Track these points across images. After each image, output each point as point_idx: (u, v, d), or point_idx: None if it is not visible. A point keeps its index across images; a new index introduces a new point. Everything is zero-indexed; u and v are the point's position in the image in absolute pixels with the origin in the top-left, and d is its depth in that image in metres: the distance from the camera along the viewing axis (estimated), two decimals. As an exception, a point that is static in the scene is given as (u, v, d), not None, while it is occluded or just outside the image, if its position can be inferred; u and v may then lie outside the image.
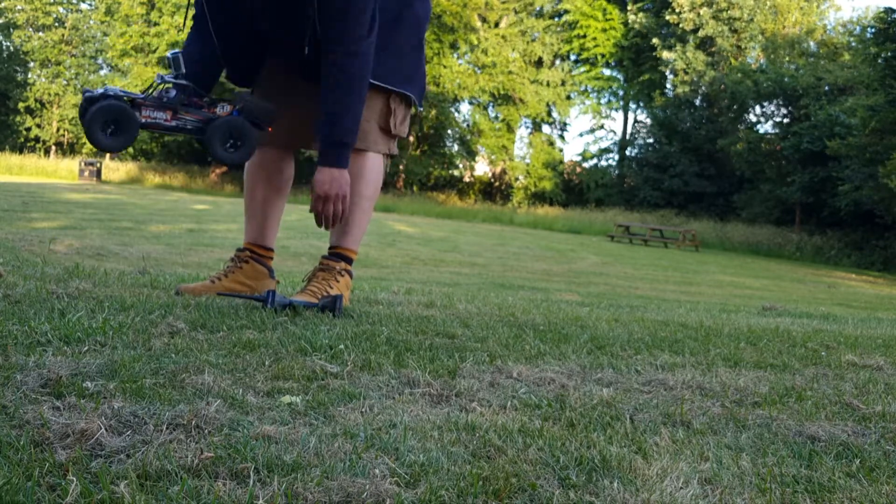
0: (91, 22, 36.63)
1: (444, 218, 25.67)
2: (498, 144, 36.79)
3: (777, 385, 1.90)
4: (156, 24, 32.56)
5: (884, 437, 1.48)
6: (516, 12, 37.66)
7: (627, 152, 37.08)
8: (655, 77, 35.81)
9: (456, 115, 37.21)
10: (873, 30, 22.29)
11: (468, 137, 36.76)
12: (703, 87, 33.04)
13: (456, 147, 37.18)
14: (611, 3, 36.95)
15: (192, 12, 2.55)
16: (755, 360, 2.25)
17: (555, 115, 39.28)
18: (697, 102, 34.06)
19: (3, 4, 35.52)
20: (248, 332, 2.00)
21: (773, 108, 30.62)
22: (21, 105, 35.10)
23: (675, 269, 13.62)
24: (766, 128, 31.09)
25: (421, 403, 1.47)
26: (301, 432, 1.22)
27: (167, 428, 1.17)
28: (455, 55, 36.14)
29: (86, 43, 36.38)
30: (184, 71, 2.36)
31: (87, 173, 27.28)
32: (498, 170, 37.97)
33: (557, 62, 38.55)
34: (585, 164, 38.31)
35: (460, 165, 37.05)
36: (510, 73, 36.13)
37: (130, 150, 33.58)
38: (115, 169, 31.03)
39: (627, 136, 37.89)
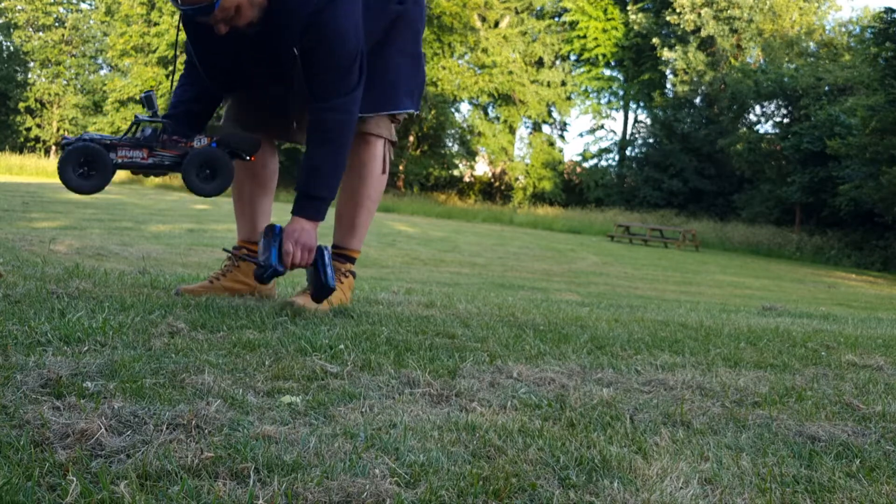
0: (91, 22, 36.63)
1: (444, 218, 25.67)
2: (498, 145, 36.78)
3: (777, 385, 1.90)
4: (156, 24, 32.55)
5: (884, 437, 1.48)
6: (517, 12, 37.65)
7: (627, 152, 37.07)
8: (655, 77, 35.81)
9: (456, 115, 37.21)
10: (873, 30, 22.29)
11: (468, 138, 36.75)
12: (703, 87, 33.05)
13: (456, 147, 37.17)
14: (611, 3, 36.95)
15: (182, 57, 2.57)
16: (755, 360, 2.25)
17: (555, 115, 39.29)
18: (697, 102, 34.06)
19: (3, 4, 35.52)
20: (248, 332, 2.00)
21: (773, 108, 30.62)
22: (21, 105, 35.10)
23: (675, 269, 13.62)
24: (766, 128, 31.10)
25: (421, 403, 1.47)
26: (301, 432, 1.22)
27: (167, 428, 1.17)
28: (455, 56, 36.13)
29: (86, 43, 36.38)
30: (156, 109, 2.37)
31: (87, 173, 27.22)
32: (498, 170, 37.96)
33: (558, 62, 38.55)
34: (585, 164, 38.31)
35: (460, 166, 37.04)
36: (510, 73, 36.13)
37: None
38: (115, 169, 30.98)
39: (627, 136, 37.89)
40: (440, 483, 1.04)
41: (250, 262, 2.54)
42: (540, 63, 37.86)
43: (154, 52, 32.37)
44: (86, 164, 2.32)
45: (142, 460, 1.02)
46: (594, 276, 10.67)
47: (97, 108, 35.31)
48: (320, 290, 2.38)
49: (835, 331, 3.33)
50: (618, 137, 38.50)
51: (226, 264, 2.74)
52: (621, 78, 38.64)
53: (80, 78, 36.20)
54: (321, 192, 2.37)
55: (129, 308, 2.15)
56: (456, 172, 36.89)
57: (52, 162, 31.07)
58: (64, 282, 2.60)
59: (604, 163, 38.00)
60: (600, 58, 37.38)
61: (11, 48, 35.94)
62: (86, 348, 1.65)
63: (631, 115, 38.77)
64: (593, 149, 38.68)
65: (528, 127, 39.12)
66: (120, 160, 2.33)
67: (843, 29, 32.31)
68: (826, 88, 27.94)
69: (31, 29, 36.18)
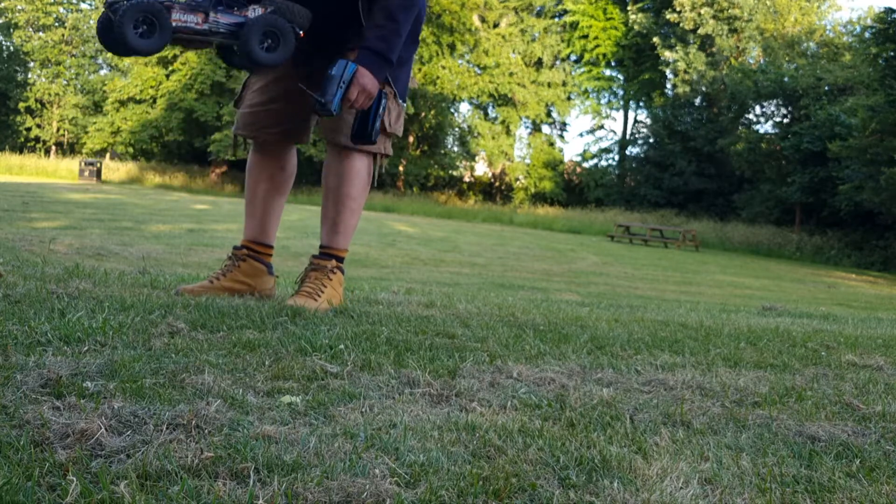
0: (91, 22, 36.61)
1: (444, 218, 25.68)
2: (497, 148, 36.79)
3: (777, 385, 1.90)
4: (156, 24, 32.50)
5: (884, 437, 1.48)
6: (517, 12, 37.65)
7: (627, 152, 37.09)
8: (655, 77, 35.82)
9: (455, 115, 37.22)
10: (873, 30, 22.29)
11: (468, 138, 36.76)
12: (703, 87, 33.05)
13: (456, 148, 37.18)
14: (611, 3, 36.96)
15: None
16: (755, 360, 2.25)
17: (555, 115, 39.30)
18: (697, 102, 34.06)
19: (3, 4, 35.52)
20: (248, 332, 2.00)
21: (773, 108, 30.62)
22: (21, 105, 35.10)
23: (675, 269, 13.62)
24: (766, 128, 31.10)
25: (421, 403, 1.47)
26: (301, 432, 1.22)
27: (167, 428, 1.17)
28: (454, 56, 36.12)
29: (86, 43, 36.37)
30: None
31: (87, 173, 27.28)
32: (498, 170, 37.97)
33: (558, 62, 38.56)
34: (585, 164, 38.31)
35: (460, 166, 37.05)
36: (511, 74, 36.13)
37: (130, 150, 33.59)
38: (116, 169, 31.05)
39: (627, 136, 37.90)
40: (440, 483, 1.04)
41: (310, 96, 2.40)
42: (539, 63, 37.86)
43: (154, 51, 32.32)
44: (145, 23, 2.15)
45: (142, 460, 1.02)
46: (594, 276, 10.67)
47: (97, 108, 35.31)
48: (362, 135, 2.44)
49: (835, 331, 3.33)
50: (618, 137, 38.52)
51: (226, 264, 2.73)
52: (621, 78, 38.65)
53: (80, 78, 36.20)
54: (388, 53, 2.45)
55: (129, 308, 2.15)
56: (456, 173, 36.91)
57: (53, 162, 31.09)
58: (64, 282, 2.60)
59: (604, 163, 38.02)
60: (600, 57, 37.39)
61: (11, 48, 35.94)
62: (86, 348, 1.65)
63: (631, 115, 38.80)
64: (593, 149, 38.70)
65: (527, 127, 39.13)
66: (175, 23, 2.20)
67: (844, 29, 32.31)
68: (826, 88, 27.95)
69: (31, 29, 36.19)
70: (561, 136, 41.23)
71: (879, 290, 13.86)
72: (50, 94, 35.39)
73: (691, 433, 1.41)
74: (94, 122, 34.26)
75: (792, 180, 26.71)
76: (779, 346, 2.61)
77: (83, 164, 27.87)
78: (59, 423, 1.14)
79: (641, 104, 37.90)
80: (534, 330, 2.48)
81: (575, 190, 36.93)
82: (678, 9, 32.79)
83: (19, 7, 35.52)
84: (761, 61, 32.12)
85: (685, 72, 32.91)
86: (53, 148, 36.14)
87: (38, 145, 35.76)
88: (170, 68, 32.20)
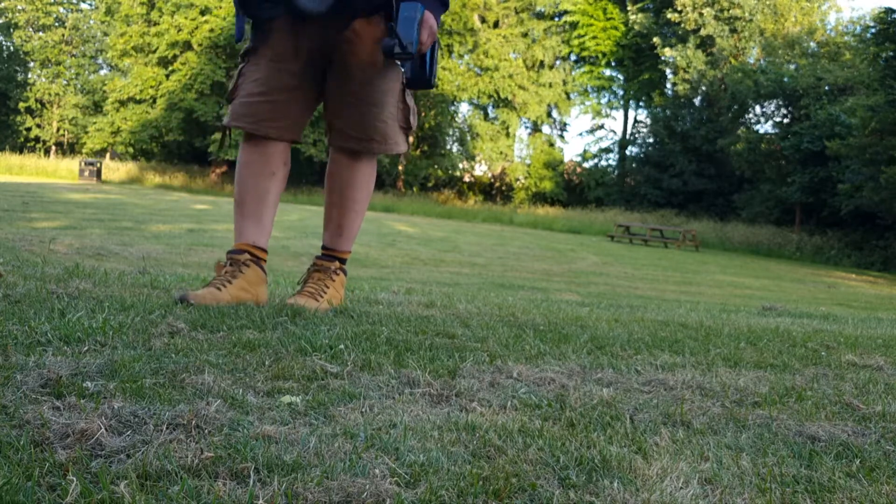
0: (91, 22, 36.65)
1: (444, 218, 25.68)
2: (496, 150, 36.80)
3: (777, 385, 1.90)
4: (156, 23, 32.56)
5: (884, 437, 1.48)
6: (517, 12, 37.65)
7: (627, 152, 37.09)
8: (655, 77, 35.83)
9: (455, 116, 37.22)
10: (873, 30, 22.29)
11: (467, 139, 36.78)
12: (703, 87, 33.05)
13: (455, 148, 37.19)
14: (611, 3, 36.96)
15: None
16: (755, 360, 2.25)
17: (555, 115, 39.31)
18: (697, 102, 34.07)
19: (3, 4, 35.53)
20: (248, 332, 2.00)
21: (773, 108, 30.63)
22: (21, 105, 35.11)
23: (675, 269, 13.62)
24: (766, 128, 31.12)
25: (421, 403, 1.47)
26: (301, 432, 1.22)
27: (167, 428, 1.17)
28: (454, 56, 36.12)
29: (86, 43, 36.40)
30: None
31: (87, 173, 27.29)
32: (498, 170, 37.98)
33: (558, 62, 38.56)
34: (585, 164, 38.33)
35: (460, 166, 37.07)
36: (511, 76, 36.13)
37: (130, 150, 33.59)
38: (116, 169, 31.06)
39: (627, 136, 37.91)
40: (440, 483, 1.04)
41: (389, 42, 2.31)
42: (541, 65, 37.86)
43: (154, 52, 32.37)
44: None
45: (142, 460, 1.02)
46: (594, 276, 10.67)
47: (97, 108, 35.32)
48: (421, 80, 2.40)
49: (835, 331, 3.33)
50: (618, 137, 38.53)
51: (228, 270, 2.54)
52: (621, 78, 38.66)
53: (80, 78, 36.21)
54: None
55: (129, 308, 2.15)
56: (456, 173, 36.93)
57: (53, 162, 31.10)
58: (64, 282, 2.60)
59: (604, 163, 38.03)
60: (600, 57, 37.40)
61: (11, 48, 35.96)
62: (86, 348, 1.65)
63: (631, 115, 38.83)
64: (593, 149, 38.72)
65: (527, 128, 39.15)
66: None
67: (844, 29, 32.32)
68: (826, 88, 27.96)
69: (31, 29, 36.20)
70: (561, 136, 41.30)
71: (879, 290, 13.86)
72: (50, 94, 35.40)
73: (691, 433, 1.42)
74: (94, 122, 34.26)
75: (792, 180, 26.72)
76: (779, 346, 2.61)
77: (83, 164, 27.88)
78: (59, 423, 1.14)
79: (641, 104, 37.92)
80: (534, 330, 2.48)
81: (575, 190, 36.95)
82: (679, 8, 32.79)
83: (19, 7, 35.53)
84: (761, 61, 32.13)
85: (685, 70, 32.91)
86: (53, 148, 36.15)
87: (38, 145, 35.77)
88: (170, 68, 32.20)
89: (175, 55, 32.02)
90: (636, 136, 37.44)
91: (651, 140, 35.38)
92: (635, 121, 38.38)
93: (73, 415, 1.19)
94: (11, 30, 35.76)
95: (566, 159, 38.92)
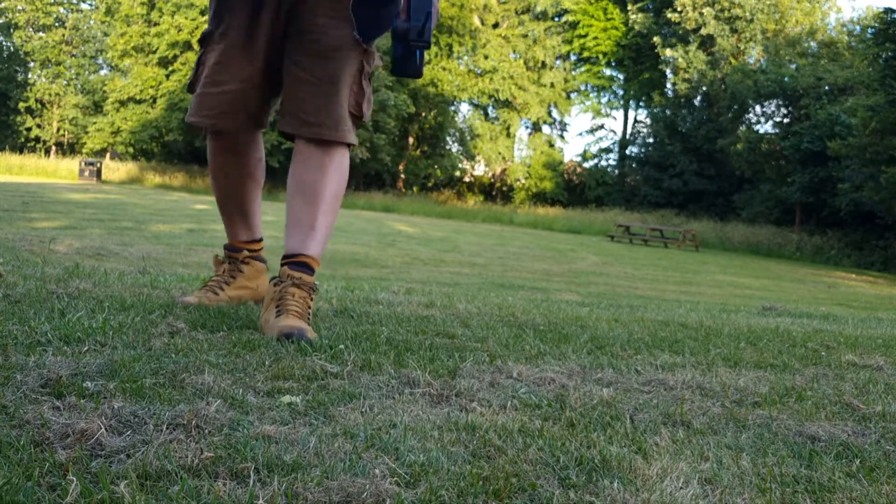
0: (91, 22, 36.65)
1: (444, 218, 25.69)
2: (496, 151, 36.83)
3: (777, 385, 1.90)
4: (156, 24, 32.56)
5: (884, 437, 1.48)
6: (517, 13, 37.67)
7: (627, 152, 37.10)
8: (655, 77, 35.84)
9: (455, 116, 37.25)
10: (873, 30, 22.30)
11: (468, 139, 36.79)
12: (704, 87, 33.06)
13: (455, 148, 37.21)
14: (611, 3, 36.98)
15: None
16: (755, 360, 2.25)
17: (555, 115, 39.32)
18: (697, 102, 34.08)
19: (3, 4, 35.54)
20: (248, 332, 2.00)
21: (773, 108, 30.64)
22: (21, 105, 35.11)
23: (675, 269, 13.62)
24: (766, 128, 31.13)
25: (421, 403, 1.47)
26: (301, 432, 1.22)
27: (167, 428, 1.17)
28: (453, 57, 36.14)
29: (86, 43, 36.39)
30: None
31: (87, 173, 27.29)
32: (498, 171, 37.99)
33: (558, 62, 38.58)
34: (586, 164, 38.34)
35: (460, 166, 37.09)
36: (510, 77, 36.15)
37: (130, 150, 33.60)
38: (116, 169, 31.05)
39: (627, 136, 37.93)
40: (440, 483, 1.04)
41: (403, 26, 2.09)
42: (541, 65, 37.88)
43: (154, 52, 32.37)
44: None
45: (142, 460, 1.02)
46: (594, 276, 10.67)
47: (97, 108, 35.32)
48: (411, 68, 2.15)
49: (835, 331, 3.33)
50: (618, 137, 38.55)
51: (225, 269, 2.45)
52: (621, 77, 38.68)
53: (80, 78, 36.21)
54: None
55: (129, 308, 2.15)
56: (456, 173, 36.95)
57: (53, 162, 31.10)
58: (64, 282, 2.60)
59: (604, 163, 38.04)
60: (600, 57, 37.41)
61: (11, 48, 35.96)
62: (86, 348, 1.65)
63: (631, 115, 38.85)
64: (593, 149, 38.74)
65: (527, 128, 39.17)
66: None
67: (844, 29, 32.33)
68: (826, 88, 27.97)
69: (31, 29, 36.20)
70: (561, 136, 41.35)
71: (879, 290, 13.86)
72: (50, 94, 35.40)
73: (691, 433, 1.42)
74: (94, 122, 34.26)
75: (792, 180, 26.73)
76: (779, 346, 2.61)
77: (83, 164, 27.87)
78: (59, 423, 1.14)
79: (641, 104, 37.92)
80: (534, 330, 2.48)
81: (575, 190, 36.96)
82: (679, 8, 32.80)
83: (19, 7, 35.54)
84: (761, 61, 32.14)
85: (685, 71, 32.92)
86: (53, 148, 36.15)
87: (38, 145, 35.77)
88: (170, 68, 32.20)
89: (175, 55, 32.02)
90: (636, 136, 37.46)
91: (651, 140, 35.40)
92: (635, 121, 38.41)
93: (73, 415, 1.19)
94: (11, 30, 35.76)
95: (566, 159, 38.95)
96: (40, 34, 36.06)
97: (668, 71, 35.01)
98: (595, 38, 36.75)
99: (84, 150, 34.62)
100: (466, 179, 38.07)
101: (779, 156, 27.82)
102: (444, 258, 11.00)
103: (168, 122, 31.81)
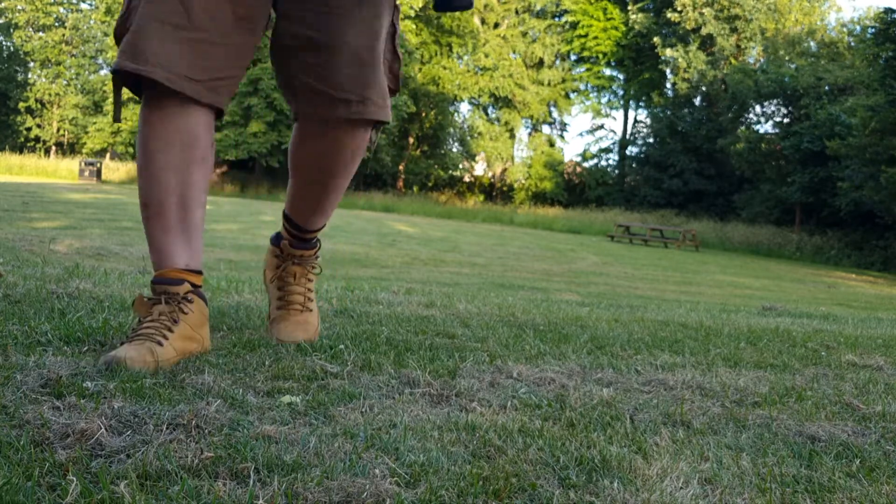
0: (91, 22, 36.64)
1: (444, 218, 25.68)
2: (496, 150, 36.83)
3: (777, 385, 1.90)
4: (156, 24, 32.53)
5: (884, 437, 1.48)
6: (517, 13, 37.68)
7: (628, 152, 37.12)
8: (655, 76, 35.86)
9: (455, 116, 37.25)
10: (873, 30, 22.31)
11: (468, 139, 36.80)
12: (703, 87, 33.07)
13: (456, 148, 37.21)
14: (611, 3, 36.99)
15: None
16: (755, 360, 2.25)
17: (555, 115, 39.34)
18: (697, 102, 34.09)
19: (3, 4, 35.54)
20: (248, 332, 2.00)
21: (773, 108, 30.65)
22: (21, 105, 35.11)
23: (675, 269, 13.62)
24: (766, 128, 31.14)
25: (421, 403, 1.47)
26: (301, 432, 1.22)
27: (167, 428, 1.17)
28: (454, 55, 36.14)
29: (86, 43, 36.39)
30: None
31: (87, 173, 27.29)
32: (498, 171, 38.01)
33: (558, 62, 38.60)
34: (586, 164, 38.36)
35: (460, 166, 37.09)
36: (510, 75, 36.16)
37: (130, 150, 33.60)
38: (116, 169, 31.05)
39: (627, 136, 37.94)
40: (440, 483, 1.04)
41: None
42: (540, 64, 37.91)
43: (154, 52, 32.35)
44: None
45: (142, 460, 1.02)
46: (594, 276, 10.67)
47: (97, 108, 35.33)
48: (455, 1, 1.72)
49: (835, 331, 3.34)
50: (618, 137, 38.56)
51: (161, 312, 1.66)
52: (621, 77, 38.69)
53: (80, 78, 36.21)
54: None
55: (129, 308, 2.15)
56: (456, 173, 36.95)
57: (53, 162, 31.10)
58: (64, 282, 2.60)
59: (604, 163, 38.06)
60: (600, 57, 37.43)
61: (11, 48, 35.96)
62: (86, 348, 1.65)
63: (631, 115, 38.86)
64: (593, 149, 38.76)
65: (528, 127, 39.18)
66: None
67: (844, 28, 32.35)
68: (826, 88, 27.98)
69: (31, 29, 36.20)
70: (561, 136, 41.36)
71: (879, 290, 13.86)
72: (50, 94, 35.40)
73: (691, 433, 1.42)
74: (94, 122, 34.26)
75: (792, 180, 26.74)
76: (779, 346, 2.61)
77: (83, 164, 27.88)
78: (59, 423, 1.14)
79: (641, 104, 37.93)
80: (534, 330, 2.48)
81: (575, 190, 36.97)
82: (679, 8, 32.82)
83: (19, 7, 35.54)
84: (761, 61, 32.15)
85: (685, 70, 32.94)
86: (53, 148, 36.15)
87: (38, 145, 35.77)
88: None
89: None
90: (636, 136, 37.47)
91: (651, 140, 35.41)
92: (635, 121, 38.43)
93: (73, 415, 1.19)
94: (11, 30, 35.77)
95: (566, 159, 38.96)
96: (40, 34, 36.07)
97: (668, 71, 35.03)
98: (595, 37, 36.76)
99: (84, 150, 34.62)
100: (467, 179, 38.07)
101: (779, 156, 27.82)
102: (444, 258, 10.99)
103: (168, 122, 31.78)
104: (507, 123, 37.47)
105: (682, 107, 33.95)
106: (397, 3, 1.85)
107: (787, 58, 31.30)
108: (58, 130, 36.10)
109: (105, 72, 36.73)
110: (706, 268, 15.09)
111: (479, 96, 36.45)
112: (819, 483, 1.18)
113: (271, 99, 27.42)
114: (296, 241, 2.00)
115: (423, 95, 33.57)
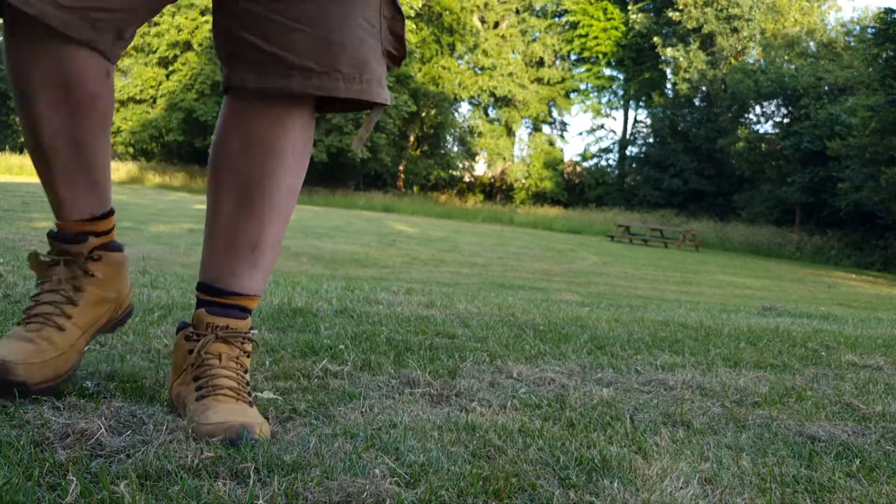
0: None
1: (444, 218, 25.68)
2: (496, 148, 36.84)
3: (777, 385, 1.90)
4: (156, 24, 32.56)
5: (884, 437, 1.48)
6: (517, 12, 37.70)
7: (627, 152, 37.13)
8: (656, 76, 35.87)
9: (456, 115, 37.26)
10: (873, 30, 22.32)
11: (468, 138, 36.81)
12: (704, 87, 33.08)
13: (456, 147, 37.22)
14: (612, 3, 37.01)
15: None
16: (755, 360, 2.25)
17: (555, 114, 39.36)
18: (697, 102, 34.10)
19: (3, 4, 35.52)
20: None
21: (773, 108, 30.66)
22: (21, 105, 35.08)
23: (675, 269, 13.62)
24: (766, 128, 31.15)
25: (421, 403, 1.47)
26: (301, 432, 1.22)
27: (167, 428, 1.17)
28: (454, 55, 36.16)
29: (86, 43, 36.36)
30: None
31: (87, 173, 27.25)
32: (498, 170, 38.02)
33: (558, 62, 38.62)
34: (585, 164, 38.38)
35: (460, 166, 37.09)
36: (510, 75, 36.17)
37: (130, 150, 33.63)
38: (116, 169, 31.04)
39: (627, 136, 37.95)
40: (440, 483, 1.04)
41: None
42: (540, 63, 37.93)
43: (154, 52, 32.38)
44: None
45: (142, 460, 1.02)
46: (594, 276, 10.67)
47: (97, 108, 35.29)
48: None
49: (835, 331, 3.34)
50: (618, 137, 38.58)
51: (58, 278, 1.36)
52: (621, 77, 38.70)
53: (80, 78, 36.18)
54: None
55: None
56: (456, 173, 36.96)
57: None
58: (64, 282, 2.59)
59: (604, 163, 38.07)
60: (600, 56, 37.44)
61: (11, 48, 35.95)
62: (86, 348, 1.65)
63: (631, 115, 38.87)
64: (593, 148, 38.79)
65: (528, 127, 39.20)
66: None
67: (844, 29, 32.35)
68: (826, 88, 27.98)
69: (31, 29, 36.18)
70: (561, 136, 41.38)
71: (879, 290, 13.86)
72: (50, 94, 35.38)
73: (691, 433, 1.42)
74: (94, 122, 34.25)
75: (792, 180, 26.74)
76: (779, 346, 2.61)
77: (83, 164, 27.83)
78: (59, 423, 1.14)
79: (641, 104, 37.94)
80: (534, 330, 2.49)
81: (575, 190, 36.98)
82: (680, 7, 32.83)
83: (19, 7, 35.51)
84: (761, 61, 32.16)
85: (685, 70, 32.95)
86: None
87: (38, 145, 35.74)
88: (170, 68, 32.21)
89: (175, 55, 32.03)
90: (636, 135, 37.48)
91: (651, 140, 35.42)
92: (635, 121, 38.44)
93: (73, 415, 1.19)
94: (11, 30, 35.76)
95: (566, 159, 38.97)
96: (40, 34, 36.05)
97: (668, 71, 35.04)
98: (595, 37, 36.77)
99: (84, 150, 34.60)
100: (467, 179, 38.08)
101: (779, 156, 27.82)
102: (444, 258, 10.99)
103: (168, 122, 31.83)
104: (505, 121, 37.47)
105: (682, 107, 33.96)
106: None
107: (786, 58, 31.31)
108: (58, 130, 36.08)
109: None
110: (706, 268, 15.09)
111: (479, 96, 36.46)
112: (819, 483, 1.18)
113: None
114: (215, 307, 1.35)
115: (423, 95, 33.57)
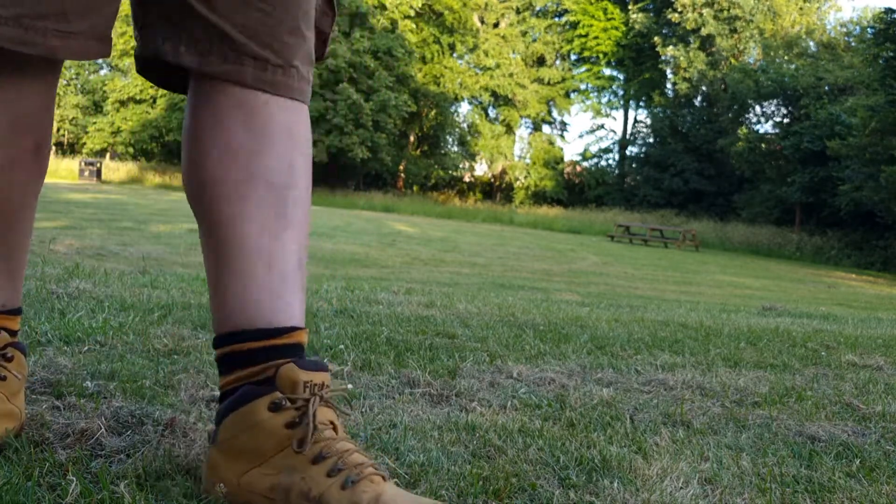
0: (91, 22, 36.60)
1: (444, 218, 25.67)
2: (496, 148, 36.84)
3: (777, 385, 1.90)
4: (156, 24, 32.54)
5: (884, 437, 1.48)
6: (517, 11, 37.70)
7: (628, 152, 37.13)
8: (656, 76, 35.87)
9: (456, 115, 37.25)
10: (873, 30, 22.32)
11: (468, 138, 36.80)
12: (704, 87, 33.09)
13: (456, 147, 37.21)
14: (612, 3, 37.02)
15: None
16: (755, 360, 2.25)
17: (555, 114, 39.36)
18: (697, 102, 34.10)
19: (3, 4, 35.51)
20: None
21: (773, 108, 30.66)
22: (21, 105, 35.08)
23: (675, 269, 13.62)
24: (766, 128, 31.14)
25: (421, 403, 1.47)
26: (301, 432, 1.21)
27: (166, 428, 1.17)
28: (454, 55, 36.16)
29: (86, 43, 36.36)
30: None
31: (87, 173, 27.31)
32: (498, 170, 38.01)
33: (558, 61, 38.63)
34: (585, 164, 38.38)
35: (460, 166, 37.09)
36: (510, 74, 36.18)
37: (130, 150, 33.64)
38: (116, 169, 31.05)
39: (627, 136, 37.95)
40: (440, 483, 1.04)
41: None
42: (541, 62, 37.93)
43: (154, 52, 32.35)
44: None
45: (142, 460, 1.02)
46: (594, 276, 10.67)
47: (97, 108, 35.34)
48: None
49: (835, 331, 3.34)
50: (618, 137, 38.58)
51: None
52: (621, 77, 38.71)
53: (80, 78, 36.22)
54: None
55: (129, 308, 2.15)
56: (456, 173, 36.95)
57: (53, 162, 31.09)
58: (64, 282, 2.60)
59: (604, 162, 38.07)
60: (601, 56, 37.45)
61: (11, 48, 35.95)
62: (86, 348, 1.65)
63: (631, 115, 38.87)
64: (594, 148, 38.79)
65: (528, 127, 39.20)
66: None
67: (844, 29, 32.35)
68: (826, 88, 27.98)
69: (31, 29, 36.16)
70: (561, 136, 41.38)
71: (879, 290, 13.86)
72: (50, 94, 35.39)
73: (691, 433, 1.41)
74: (94, 122, 34.27)
75: (792, 180, 26.74)
76: (779, 346, 2.61)
77: (83, 164, 27.88)
78: (59, 423, 1.14)
79: (641, 104, 37.95)
80: (534, 330, 2.48)
81: (575, 189, 36.98)
82: (679, 9, 32.85)
83: (19, 7, 35.50)
84: (761, 61, 32.16)
85: (685, 70, 32.95)
86: (53, 148, 36.15)
87: (38, 145, 35.73)
88: (170, 68, 32.19)
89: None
90: (636, 135, 37.48)
91: (651, 140, 35.42)
92: (635, 121, 38.44)
93: (73, 415, 1.19)
94: (11, 30, 35.74)
95: (566, 159, 38.97)
96: (40, 34, 36.03)
97: (668, 71, 35.05)
98: (595, 37, 36.78)
99: (84, 150, 34.63)
100: (467, 179, 38.07)
101: (779, 156, 27.82)
102: (444, 258, 10.99)
103: (168, 122, 31.83)
104: (505, 121, 37.47)
105: (683, 107, 33.96)
106: None
107: (785, 57, 31.31)
108: (58, 130, 36.10)
109: (104, 71, 36.72)
110: (706, 268, 15.09)
111: (479, 95, 36.46)
112: (819, 483, 1.18)
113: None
114: (300, 359, 0.99)
115: (424, 95, 33.56)
